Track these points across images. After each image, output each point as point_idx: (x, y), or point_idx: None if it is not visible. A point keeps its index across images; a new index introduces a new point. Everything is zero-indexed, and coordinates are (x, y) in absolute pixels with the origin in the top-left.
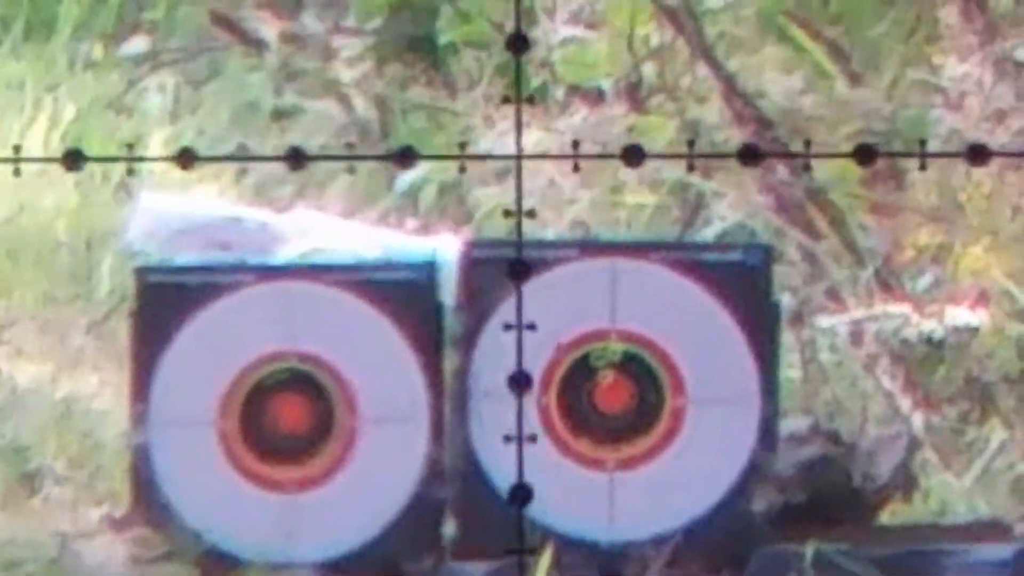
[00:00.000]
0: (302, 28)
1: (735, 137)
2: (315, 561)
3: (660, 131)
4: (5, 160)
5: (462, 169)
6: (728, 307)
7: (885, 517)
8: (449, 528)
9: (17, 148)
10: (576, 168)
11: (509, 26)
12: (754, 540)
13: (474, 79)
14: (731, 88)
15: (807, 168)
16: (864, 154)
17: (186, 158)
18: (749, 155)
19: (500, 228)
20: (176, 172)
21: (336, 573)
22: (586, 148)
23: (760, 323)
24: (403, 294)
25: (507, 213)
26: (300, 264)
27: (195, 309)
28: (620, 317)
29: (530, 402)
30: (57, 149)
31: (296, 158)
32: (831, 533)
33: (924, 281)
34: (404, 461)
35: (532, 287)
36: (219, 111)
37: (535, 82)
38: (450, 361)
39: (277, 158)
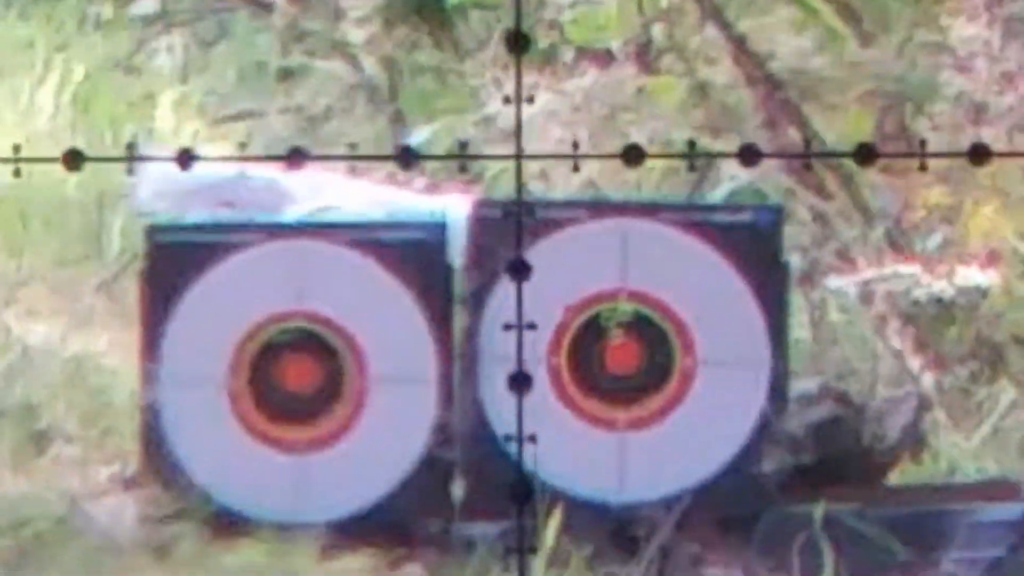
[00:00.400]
0: None
1: (746, 98)
2: (324, 521)
3: (670, 92)
4: (5, 160)
5: (462, 169)
6: (738, 268)
7: (895, 477)
8: (458, 489)
9: (17, 148)
10: (576, 168)
11: None
12: (764, 501)
13: (482, 41)
14: (741, 49)
15: (808, 167)
16: (864, 154)
17: (185, 158)
18: (749, 155)
19: (509, 188)
20: (186, 130)
21: (345, 533)
22: (595, 109)
23: (770, 284)
24: (412, 254)
25: (507, 212)
26: (309, 223)
27: (204, 268)
28: (630, 278)
29: (540, 364)
30: (67, 108)
31: (296, 158)
32: (841, 494)
33: (934, 241)
34: (413, 422)
35: (541, 247)
36: (227, 71)
37: (543, 43)
38: (459, 321)
39: (278, 158)
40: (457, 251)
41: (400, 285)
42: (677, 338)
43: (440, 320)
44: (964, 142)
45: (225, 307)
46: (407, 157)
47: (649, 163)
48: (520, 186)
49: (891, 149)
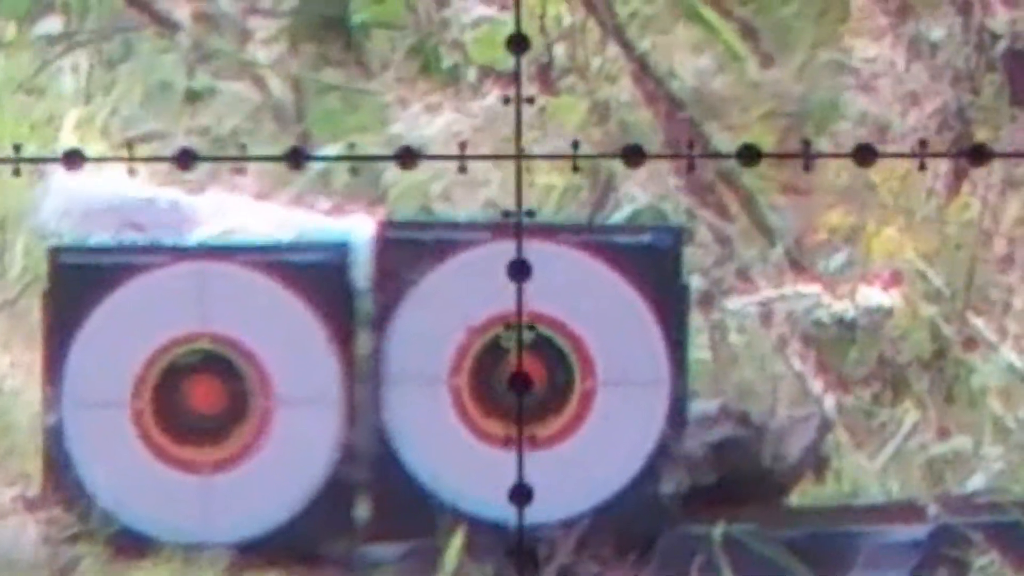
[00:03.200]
0: (216, 9)
1: (645, 118)
2: (229, 542)
3: (571, 112)
4: (5, 160)
5: (462, 169)
6: (638, 289)
7: (796, 498)
8: (362, 511)
9: (17, 148)
10: (576, 168)
11: (422, 5)
12: (663, 522)
13: (387, 59)
14: (642, 68)
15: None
16: (864, 154)
17: (185, 159)
18: (749, 155)
19: (413, 209)
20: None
21: (251, 555)
22: (497, 129)
23: (670, 305)
24: (316, 275)
25: (506, 214)
26: (213, 245)
27: (108, 289)
28: (530, 299)
29: (442, 387)
30: None
31: (296, 158)
32: (740, 514)
33: (836, 261)
34: (317, 443)
35: (444, 269)
36: (132, 92)
37: (447, 62)
38: (363, 344)
39: (278, 158)
40: (361, 272)
41: (304, 306)
42: (577, 359)
43: (344, 341)
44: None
45: (129, 328)
46: (409, 157)
47: (549, 182)
48: (520, 188)
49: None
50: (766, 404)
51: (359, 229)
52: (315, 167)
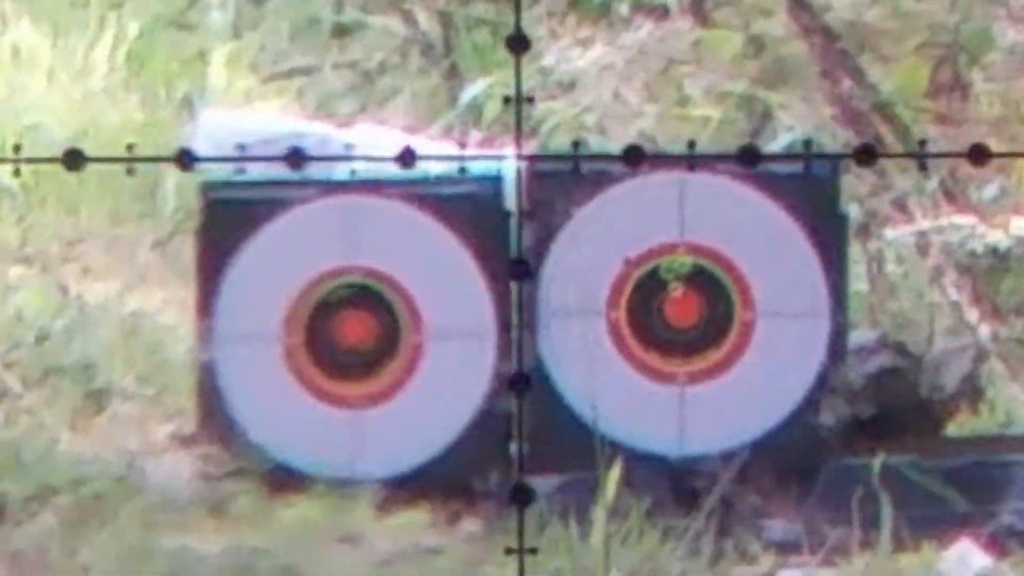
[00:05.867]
0: None
1: (801, 51)
2: (381, 477)
3: (725, 44)
4: (4, 160)
5: (462, 170)
6: (796, 219)
7: (952, 429)
8: (518, 443)
9: (17, 148)
10: (576, 168)
11: None
12: (823, 454)
13: None
14: (797, 1)
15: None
16: (864, 153)
17: (185, 159)
18: (749, 156)
19: (565, 141)
20: (239, 86)
21: (403, 488)
22: (651, 63)
23: (828, 235)
24: (468, 208)
25: (506, 214)
26: (363, 179)
27: (259, 225)
28: (688, 230)
29: (598, 318)
30: (123, 67)
31: (295, 158)
32: (898, 445)
33: (990, 192)
34: (471, 376)
35: (601, 200)
36: (280, 27)
37: None
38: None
39: (277, 158)
40: (513, 204)
41: (456, 239)
42: (736, 290)
43: (498, 274)
44: (1017, 92)
45: (280, 263)
46: (409, 157)
47: (705, 114)
48: (520, 189)
49: (944, 99)
50: (923, 334)
51: (510, 162)
52: (467, 98)
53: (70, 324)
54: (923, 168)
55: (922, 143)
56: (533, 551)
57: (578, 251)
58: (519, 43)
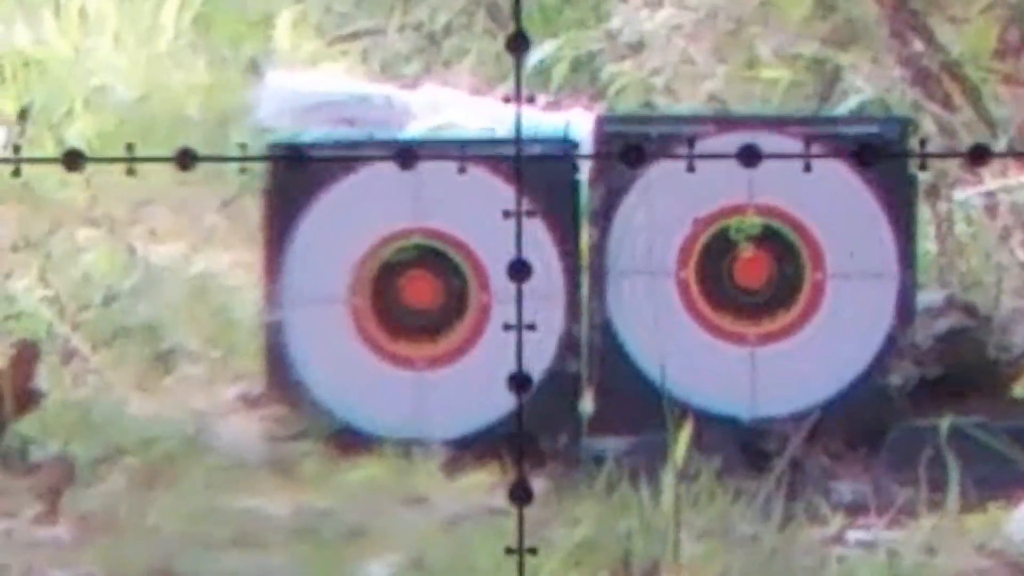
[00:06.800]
0: None
1: (870, 11)
2: (447, 438)
3: (796, 6)
4: (4, 160)
5: (461, 169)
6: (865, 180)
7: (1020, 389)
8: (586, 404)
9: (17, 148)
10: (575, 169)
11: None
12: (892, 415)
13: None
14: None
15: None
16: (864, 154)
17: (186, 159)
18: (749, 155)
19: (633, 103)
20: (305, 48)
21: (468, 450)
22: (720, 24)
23: (898, 196)
24: (535, 170)
25: (506, 214)
26: (429, 140)
27: (325, 186)
28: (757, 191)
29: (668, 279)
30: (188, 28)
31: (295, 158)
32: (966, 406)
33: None
34: (540, 336)
35: (668, 162)
36: None
37: None
38: (586, 236)
39: (279, 158)
40: (581, 167)
41: (526, 200)
42: (806, 251)
43: (566, 235)
44: None
45: (346, 224)
46: (408, 158)
47: (774, 75)
48: (520, 189)
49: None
50: (991, 295)
51: (578, 124)
52: (533, 59)
53: (137, 285)
54: (991, 129)
55: (923, 143)
56: (533, 551)
57: (646, 211)
58: (519, 43)
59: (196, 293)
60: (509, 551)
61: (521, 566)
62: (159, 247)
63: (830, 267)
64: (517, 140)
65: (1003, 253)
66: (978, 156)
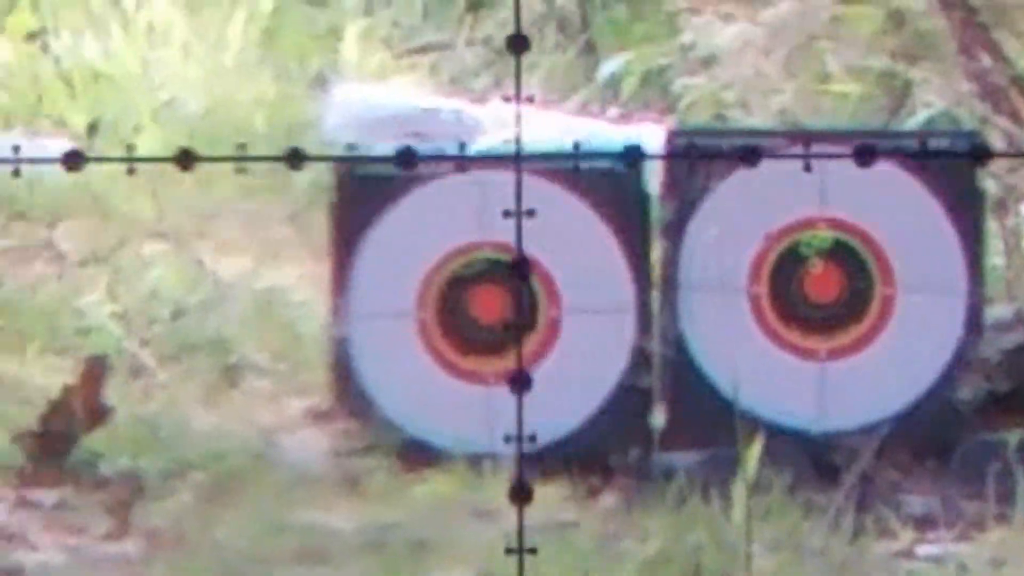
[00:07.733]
0: None
1: (939, 26)
2: (516, 452)
3: (866, 21)
4: (5, 161)
5: (461, 169)
6: (935, 195)
7: None
8: (658, 418)
9: (16, 148)
10: (576, 168)
11: None
12: (961, 429)
13: None
14: None
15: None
16: (864, 153)
17: (186, 159)
18: (749, 155)
19: (704, 117)
20: (372, 61)
21: (541, 464)
22: (791, 38)
23: (966, 210)
24: (606, 183)
25: (506, 213)
26: (498, 154)
27: (393, 200)
28: (828, 205)
29: (739, 294)
30: (255, 41)
31: (295, 158)
32: None
33: None
34: (611, 351)
35: (739, 177)
36: (414, 2)
37: None
38: (657, 250)
39: (276, 158)
40: (653, 180)
41: (594, 214)
42: (876, 265)
43: (637, 249)
44: None
45: (414, 238)
46: (409, 159)
47: (844, 90)
48: (520, 193)
49: None
50: None
51: (648, 137)
52: (604, 74)
53: (205, 300)
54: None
55: (922, 141)
56: (533, 551)
57: (718, 225)
58: (519, 43)
59: (263, 307)
60: (509, 551)
61: (521, 566)
62: (226, 261)
63: (900, 282)
64: (517, 140)
65: None
66: (977, 156)
